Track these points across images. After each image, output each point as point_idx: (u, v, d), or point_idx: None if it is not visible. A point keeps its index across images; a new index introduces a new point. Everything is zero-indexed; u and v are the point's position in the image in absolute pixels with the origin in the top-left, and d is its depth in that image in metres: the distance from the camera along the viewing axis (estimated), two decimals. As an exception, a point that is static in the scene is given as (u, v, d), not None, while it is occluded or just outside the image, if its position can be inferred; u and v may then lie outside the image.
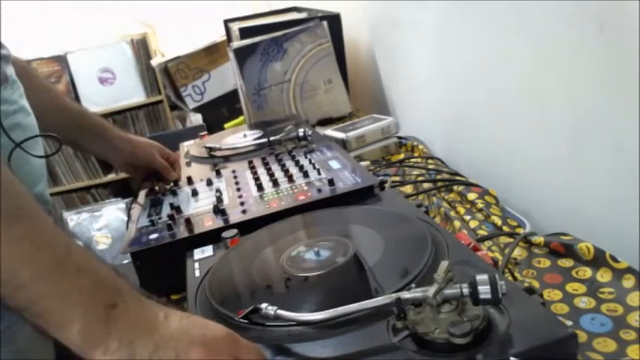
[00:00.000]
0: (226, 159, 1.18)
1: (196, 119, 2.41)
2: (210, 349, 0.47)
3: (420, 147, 1.34)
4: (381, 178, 0.94)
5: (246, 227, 0.81)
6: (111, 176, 3.05)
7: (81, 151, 2.02)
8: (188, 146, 1.35)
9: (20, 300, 0.45)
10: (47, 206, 0.82)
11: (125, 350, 0.45)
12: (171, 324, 0.48)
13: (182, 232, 0.84)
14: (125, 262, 0.83)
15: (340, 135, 1.32)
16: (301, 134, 1.15)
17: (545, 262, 0.80)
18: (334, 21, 1.70)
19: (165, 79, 2.53)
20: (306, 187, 0.91)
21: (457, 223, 0.94)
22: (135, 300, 0.49)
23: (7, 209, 0.45)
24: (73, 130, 0.98)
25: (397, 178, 1.19)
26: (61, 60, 2.83)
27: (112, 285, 0.48)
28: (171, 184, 1.08)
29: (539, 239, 0.84)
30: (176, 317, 0.49)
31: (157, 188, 1.07)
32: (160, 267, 0.82)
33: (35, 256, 0.45)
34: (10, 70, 0.79)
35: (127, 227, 0.95)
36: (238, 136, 1.31)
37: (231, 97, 2.06)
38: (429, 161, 1.27)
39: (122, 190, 2.99)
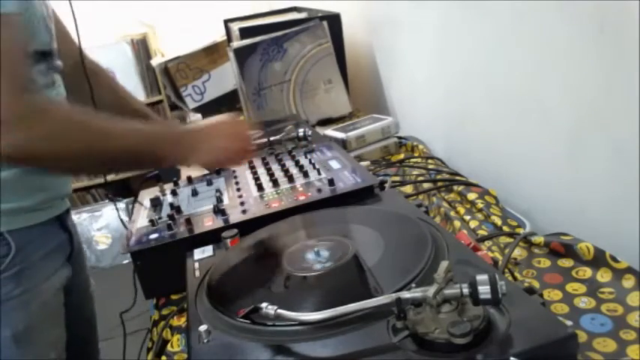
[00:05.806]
0: (226, 159, 1.17)
1: (196, 119, 2.40)
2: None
3: (420, 147, 1.34)
4: (381, 178, 0.94)
5: (246, 227, 0.81)
6: (110, 176, 3.04)
7: None
8: (188, 146, 1.35)
9: (152, 157, 0.87)
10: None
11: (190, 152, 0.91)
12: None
13: (182, 232, 0.84)
14: (125, 262, 0.83)
15: (340, 135, 1.32)
16: (301, 134, 1.15)
17: (545, 262, 0.80)
18: (334, 21, 1.70)
19: (165, 79, 2.52)
20: (306, 187, 0.91)
21: (457, 223, 0.94)
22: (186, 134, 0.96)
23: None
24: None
25: (397, 178, 1.19)
26: (61, 60, 2.83)
27: (181, 140, 0.92)
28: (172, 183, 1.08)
29: (539, 239, 0.84)
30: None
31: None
32: (160, 267, 0.82)
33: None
34: (57, 78, 0.92)
35: (127, 227, 0.95)
36: (238, 136, 1.31)
37: (231, 97, 2.05)
38: (429, 161, 1.27)
39: (122, 190, 2.99)
